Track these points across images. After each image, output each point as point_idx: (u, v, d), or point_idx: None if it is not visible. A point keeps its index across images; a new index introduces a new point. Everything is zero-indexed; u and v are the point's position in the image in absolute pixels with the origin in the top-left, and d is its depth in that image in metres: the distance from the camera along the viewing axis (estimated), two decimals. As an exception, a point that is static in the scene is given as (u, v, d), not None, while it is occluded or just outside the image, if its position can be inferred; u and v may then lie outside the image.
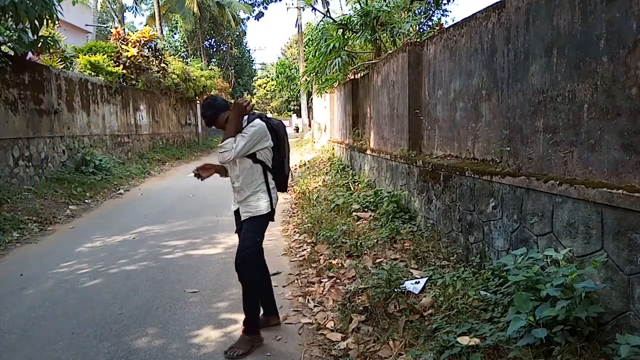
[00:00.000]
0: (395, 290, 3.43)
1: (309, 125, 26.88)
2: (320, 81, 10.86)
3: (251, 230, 3.11)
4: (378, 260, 4.46)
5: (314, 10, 11.41)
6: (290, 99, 44.10)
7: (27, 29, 7.39)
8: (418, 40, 6.43)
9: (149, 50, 16.08)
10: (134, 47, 14.85)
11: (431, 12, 9.69)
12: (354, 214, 6.34)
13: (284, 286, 4.26)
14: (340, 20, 9.26)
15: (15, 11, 6.22)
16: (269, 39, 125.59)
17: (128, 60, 14.52)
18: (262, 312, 3.41)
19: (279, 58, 44.31)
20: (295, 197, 8.72)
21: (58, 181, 9.26)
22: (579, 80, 2.71)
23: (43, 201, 7.92)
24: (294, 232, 6.17)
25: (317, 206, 7.11)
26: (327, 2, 11.18)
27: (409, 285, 3.58)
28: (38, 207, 7.50)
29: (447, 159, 4.87)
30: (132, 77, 14.84)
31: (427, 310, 3.21)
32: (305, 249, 5.24)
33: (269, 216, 3.18)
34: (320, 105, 17.88)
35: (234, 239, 3.23)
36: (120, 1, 27.53)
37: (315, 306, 3.74)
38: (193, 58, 28.82)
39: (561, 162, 2.89)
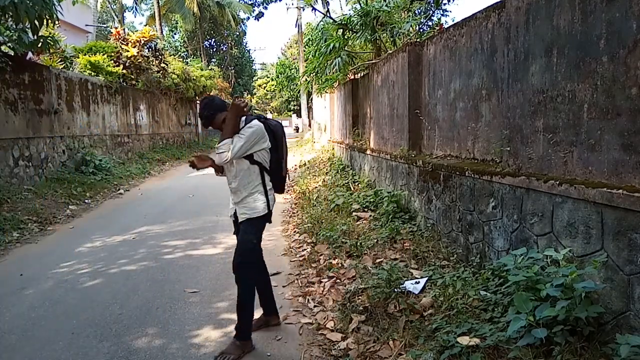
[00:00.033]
0: (395, 290, 3.43)
1: (309, 125, 26.89)
2: (320, 81, 10.86)
3: (248, 232, 3.07)
4: (378, 260, 4.46)
5: (314, 10, 11.41)
6: (290, 99, 44.10)
7: (27, 29, 7.39)
8: (418, 40, 6.43)
9: (149, 50, 16.08)
10: (134, 47, 14.85)
11: (431, 12, 9.69)
12: (354, 214, 6.34)
13: (284, 286, 4.26)
14: (340, 20, 9.26)
15: (15, 11, 6.23)
16: (269, 39, 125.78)
17: (128, 60, 14.52)
18: (261, 312, 3.41)
19: (279, 58, 44.35)
20: (295, 197, 8.72)
21: (58, 181, 9.27)
22: (579, 80, 2.71)
23: (43, 201, 7.93)
24: (294, 232, 6.17)
25: (317, 206, 7.11)
26: (327, 2, 11.17)
27: (409, 285, 3.58)
28: (38, 207, 7.50)
29: (447, 159, 4.87)
30: (132, 77, 14.85)
31: (427, 310, 3.21)
32: (305, 249, 5.24)
33: (266, 218, 3.14)
34: (320, 105, 17.89)
35: (234, 239, 3.23)
36: (120, 1, 27.54)
37: (315, 306, 3.74)
38: (193, 58, 28.82)
39: (561, 162, 2.89)
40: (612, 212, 2.41)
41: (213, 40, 37.37)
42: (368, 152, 8.29)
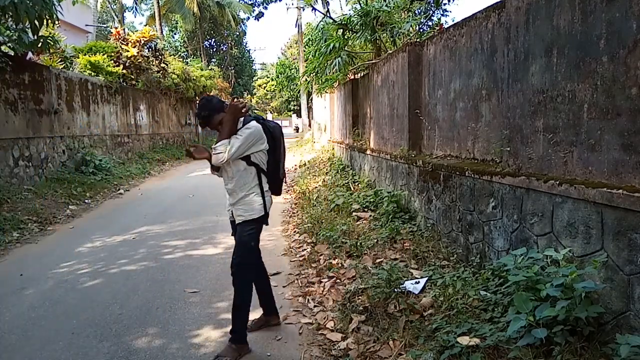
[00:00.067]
0: (395, 290, 3.43)
1: (309, 125, 26.88)
2: (320, 81, 10.85)
3: (245, 234, 3.04)
4: (378, 260, 4.46)
5: (314, 10, 11.41)
6: (290, 99, 44.10)
7: (27, 29, 7.39)
8: (418, 40, 6.43)
9: (149, 50, 16.08)
10: (134, 47, 14.86)
11: (431, 12, 9.67)
12: (354, 214, 6.34)
13: (284, 286, 4.25)
14: (340, 20, 9.26)
15: (15, 11, 6.23)
16: (269, 39, 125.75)
17: (128, 60, 14.52)
18: (261, 312, 3.41)
19: (279, 58, 44.34)
20: (295, 197, 8.72)
21: (58, 181, 9.27)
22: (579, 80, 2.71)
23: (43, 201, 7.93)
24: (294, 232, 6.17)
25: (317, 206, 7.11)
26: (327, 2, 11.17)
27: (409, 285, 3.58)
28: (38, 207, 7.50)
29: (447, 159, 4.87)
30: (132, 77, 14.85)
31: (427, 310, 3.21)
32: (305, 249, 5.24)
33: (263, 219, 3.11)
34: (320, 105, 17.88)
35: (233, 240, 3.22)
36: (120, 1, 27.53)
37: (315, 306, 3.74)
38: (193, 58, 28.81)
39: (561, 162, 2.89)
40: (612, 212, 2.41)
41: (213, 40, 37.36)
42: (368, 152, 8.29)
